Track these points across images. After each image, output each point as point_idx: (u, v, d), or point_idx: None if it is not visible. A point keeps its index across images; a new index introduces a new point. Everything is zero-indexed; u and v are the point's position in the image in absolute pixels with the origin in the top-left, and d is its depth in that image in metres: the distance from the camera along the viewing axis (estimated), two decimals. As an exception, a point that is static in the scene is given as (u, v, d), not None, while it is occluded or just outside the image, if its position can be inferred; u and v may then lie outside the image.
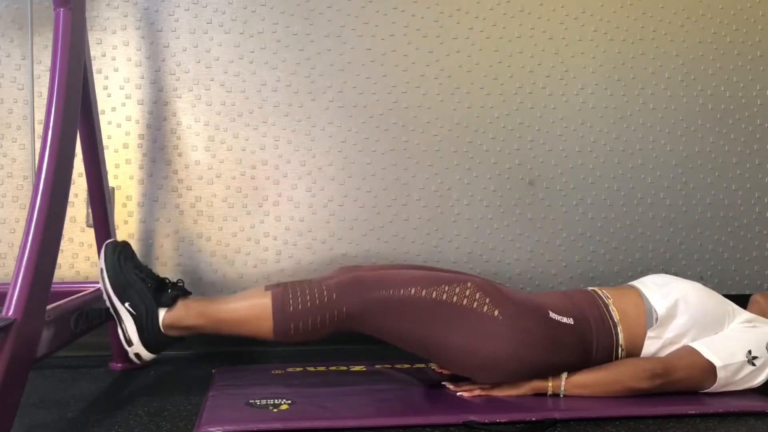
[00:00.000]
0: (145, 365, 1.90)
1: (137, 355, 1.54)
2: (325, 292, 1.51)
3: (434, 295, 1.52)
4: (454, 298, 1.52)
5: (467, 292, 1.53)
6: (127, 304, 1.52)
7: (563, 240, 2.18)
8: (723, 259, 2.25)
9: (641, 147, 2.20)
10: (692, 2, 2.21)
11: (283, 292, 1.52)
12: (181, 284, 1.59)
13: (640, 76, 2.19)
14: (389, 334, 1.55)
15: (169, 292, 1.55)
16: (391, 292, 1.52)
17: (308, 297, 1.51)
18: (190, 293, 1.59)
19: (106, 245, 1.57)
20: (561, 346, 1.53)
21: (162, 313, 1.53)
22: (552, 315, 1.55)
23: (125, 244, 1.60)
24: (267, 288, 1.55)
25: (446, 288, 1.53)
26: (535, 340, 1.51)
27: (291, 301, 1.51)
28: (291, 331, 1.51)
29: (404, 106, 2.11)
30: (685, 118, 2.22)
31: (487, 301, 1.52)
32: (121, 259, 1.55)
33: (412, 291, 1.52)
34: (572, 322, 1.55)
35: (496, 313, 1.51)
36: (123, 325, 1.53)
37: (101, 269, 1.55)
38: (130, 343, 1.53)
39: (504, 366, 1.52)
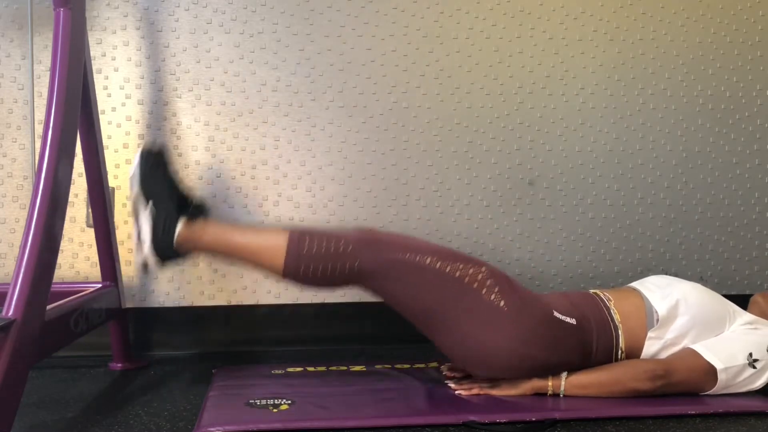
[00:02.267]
0: (144, 365, 1.90)
1: (145, 263, 1.54)
2: (342, 243, 1.51)
3: (448, 269, 1.51)
4: (466, 279, 1.51)
5: (479, 276, 1.52)
6: (150, 205, 1.53)
7: (563, 240, 2.18)
8: (723, 259, 2.25)
9: (641, 147, 2.20)
10: (692, 2, 2.21)
11: (301, 233, 1.52)
12: (207, 206, 1.60)
13: (640, 76, 2.20)
14: (394, 298, 1.55)
15: (193, 208, 1.56)
16: (407, 256, 1.52)
17: (324, 244, 1.51)
18: (210, 215, 1.60)
19: (141, 151, 1.59)
20: (562, 345, 1.53)
21: (181, 223, 1.53)
22: (556, 314, 1.55)
23: (161, 151, 1.60)
24: (287, 229, 1.56)
25: (461, 266, 1.53)
26: (537, 336, 1.51)
27: (307, 244, 1.51)
28: (301, 272, 1.51)
29: (404, 106, 2.11)
30: (685, 118, 2.22)
31: (496, 290, 1.52)
32: (155, 165, 1.56)
33: (428, 260, 1.52)
34: (575, 323, 1.55)
35: (501, 303, 1.51)
36: (139, 226, 1.53)
37: (133, 171, 1.57)
38: (142, 245, 1.54)
39: (502, 359, 1.51)
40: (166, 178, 1.58)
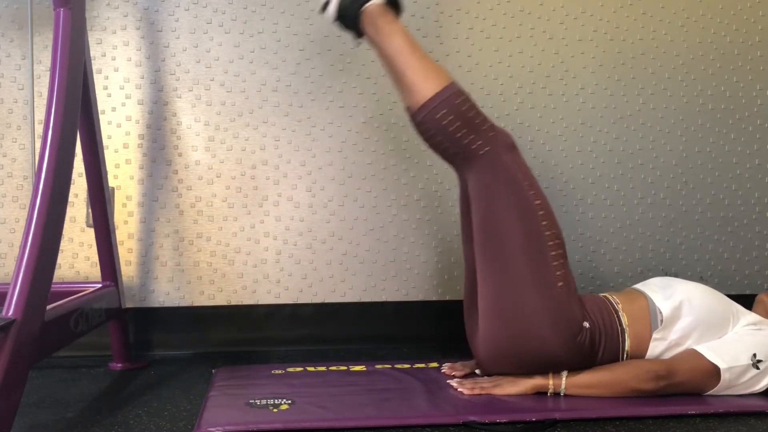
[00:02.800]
0: (144, 365, 1.90)
1: (326, 5, 1.64)
2: (487, 124, 1.55)
3: (544, 222, 1.54)
4: (549, 242, 1.53)
5: (560, 251, 1.54)
6: None
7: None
8: (723, 259, 2.25)
9: (641, 147, 2.20)
10: (692, 2, 2.21)
11: (463, 90, 1.55)
12: (403, 6, 1.67)
13: (640, 76, 2.20)
14: (481, 204, 1.56)
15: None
16: (525, 183, 1.54)
17: (474, 112, 1.54)
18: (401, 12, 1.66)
19: None
20: (573, 345, 1.53)
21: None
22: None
23: None
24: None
25: (555, 231, 1.55)
26: (563, 326, 1.51)
27: (462, 99, 1.53)
28: (437, 115, 1.52)
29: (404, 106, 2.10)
30: (685, 118, 2.22)
31: (562, 269, 1.54)
32: None
33: (537, 202, 1.54)
34: (588, 326, 1.55)
35: (560, 284, 1.52)
36: None
37: None
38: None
39: (524, 326, 1.51)
40: None
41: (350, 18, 1.63)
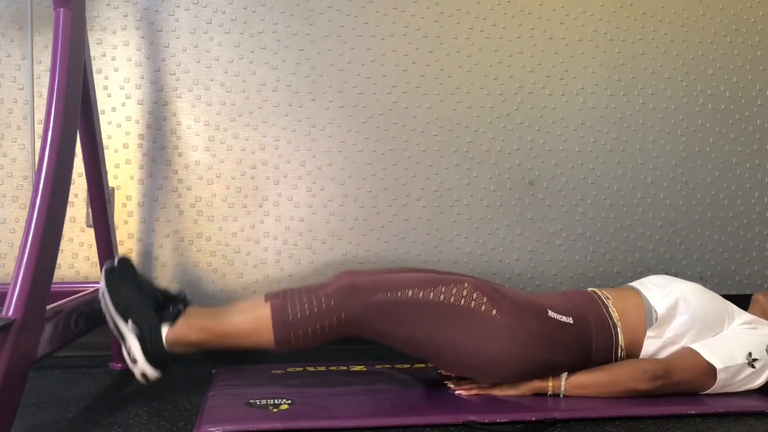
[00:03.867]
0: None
1: (143, 374, 1.53)
2: (323, 299, 1.51)
3: (431, 296, 1.52)
4: (452, 299, 1.52)
5: (464, 292, 1.53)
6: (130, 323, 1.52)
7: (563, 240, 2.17)
8: (723, 259, 2.25)
9: (641, 147, 2.20)
10: (692, 2, 2.21)
11: (282, 302, 1.52)
12: (183, 296, 1.59)
13: (640, 76, 2.19)
14: (389, 338, 1.55)
15: (171, 309, 1.55)
16: (389, 294, 1.52)
17: (306, 305, 1.51)
18: (189, 304, 1.60)
19: (105, 270, 1.57)
20: (560, 345, 1.53)
21: (165, 329, 1.53)
22: (551, 314, 1.55)
23: (124, 263, 1.59)
24: (267, 298, 1.55)
25: (443, 289, 1.53)
26: (534, 338, 1.51)
27: (290, 311, 1.51)
28: (292, 341, 1.51)
29: (404, 106, 2.11)
30: (685, 118, 2.22)
31: (485, 300, 1.52)
32: (121, 281, 1.55)
33: (410, 293, 1.52)
34: (571, 321, 1.56)
35: (494, 312, 1.51)
36: (127, 345, 1.53)
37: (102, 293, 1.55)
38: (135, 361, 1.52)
39: (504, 365, 1.52)
40: (136, 287, 1.56)
41: (165, 358, 1.55)
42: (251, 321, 1.53)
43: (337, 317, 1.51)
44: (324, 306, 1.51)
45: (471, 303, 1.52)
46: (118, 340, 1.55)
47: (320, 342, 1.53)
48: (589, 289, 1.70)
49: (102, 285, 1.56)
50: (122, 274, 1.57)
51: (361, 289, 1.54)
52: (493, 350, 1.51)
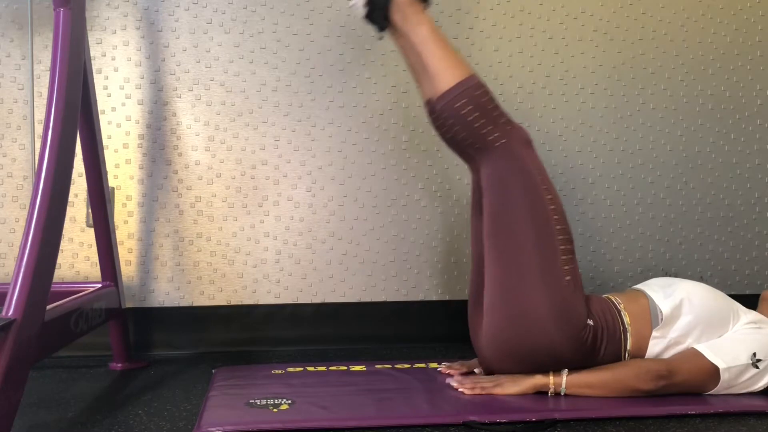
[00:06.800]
0: (144, 365, 1.90)
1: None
2: (505, 117, 1.57)
3: (555, 217, 1.54)
4: (558, 236, 1.54)
5: (569, 245, 1.56)
6: None
7: (563, 240, 2.17)
8: (723, 259, 2.25)
9: (641, 147, 2.20)
10: (692, 2, 2.21)
11: (482, 83, 1.56)
12: None
13: (640, 76, 2.20)
14: (493, 192, 1.57)
15: None
16: (539, 178, 1.55)
17: (493, 104, 1.56)
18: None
19: None
20: (575, 341, 1.53)
21: None
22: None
23: None
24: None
25: (564, 227, 1.56)
26: (567, 322, 1.52)
27: (481, 91, 1.55)
28: (455, 105, 1.54)
29: (404, 106, 2.11)
30: (685, 118, 2.22)
31: (570, 265, 1.55)
32: None
33: (549, 197, 1.55)
34: (592, 324, 1.56)
35: (567, 278, 1.54)
36: None
37: None
38: None
39: (529, 322, 1.52)
40: None
41: (380, 5, 1.63)
42: (453, 62, 1.58)
43: (495, 136, 1.54)
44: (502, 120, 1.56)
45: (563, 254, 1.54)
46: None
47: (459, 132, 1.56)
48: (603, 295, 1.69)
49: None
50: None
51: (532, 151, 1.58)
52: (534, 302, 1.52)
